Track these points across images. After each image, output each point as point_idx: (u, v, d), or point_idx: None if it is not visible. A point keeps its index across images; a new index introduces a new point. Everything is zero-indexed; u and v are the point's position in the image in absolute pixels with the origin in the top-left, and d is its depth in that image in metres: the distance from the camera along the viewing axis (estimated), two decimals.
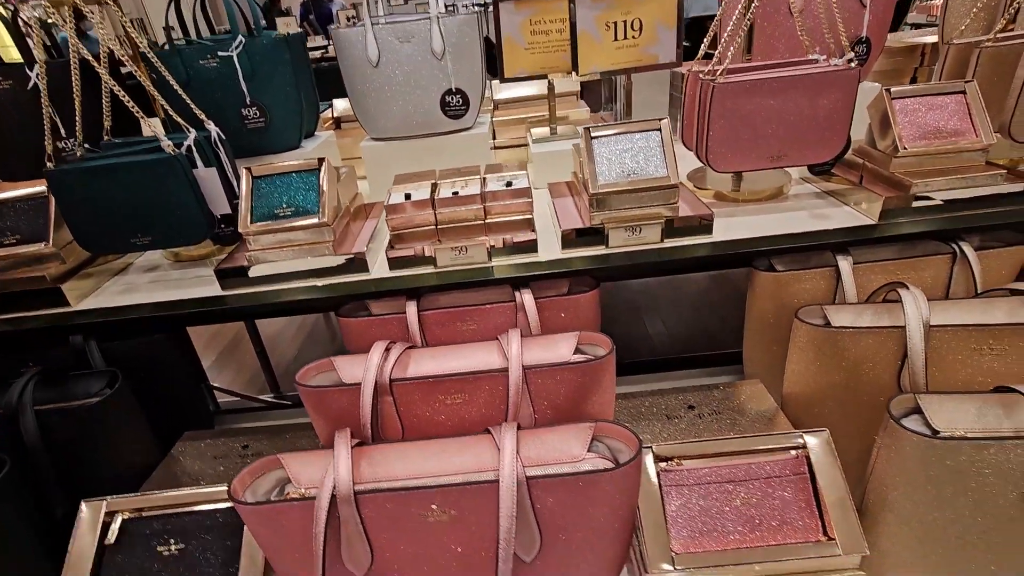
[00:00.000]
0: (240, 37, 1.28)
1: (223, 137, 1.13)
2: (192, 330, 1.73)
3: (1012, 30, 1.18)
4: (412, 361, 0.98)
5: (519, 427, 0.81)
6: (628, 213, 1.08)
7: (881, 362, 0.97)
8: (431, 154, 1.41)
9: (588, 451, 0.81)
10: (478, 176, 1.15)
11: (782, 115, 1.07)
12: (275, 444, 1.23)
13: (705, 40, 1.22)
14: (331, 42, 1.36)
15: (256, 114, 1.34)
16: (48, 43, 1.34)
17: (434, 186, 1.13)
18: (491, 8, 1.35)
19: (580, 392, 0.93)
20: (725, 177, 1.25)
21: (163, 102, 1.14)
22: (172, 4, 1.36)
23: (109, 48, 1.12)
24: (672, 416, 1.16)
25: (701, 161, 1.16)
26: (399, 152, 1.42)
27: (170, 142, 1.04)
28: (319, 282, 1.09)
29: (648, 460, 0.89)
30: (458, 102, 1.38)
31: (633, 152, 1.08)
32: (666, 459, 0.89)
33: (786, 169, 1.25)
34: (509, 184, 1.11)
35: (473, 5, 1.39)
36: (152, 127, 1.06)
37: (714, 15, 1.21)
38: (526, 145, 1.59)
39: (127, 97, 1.07)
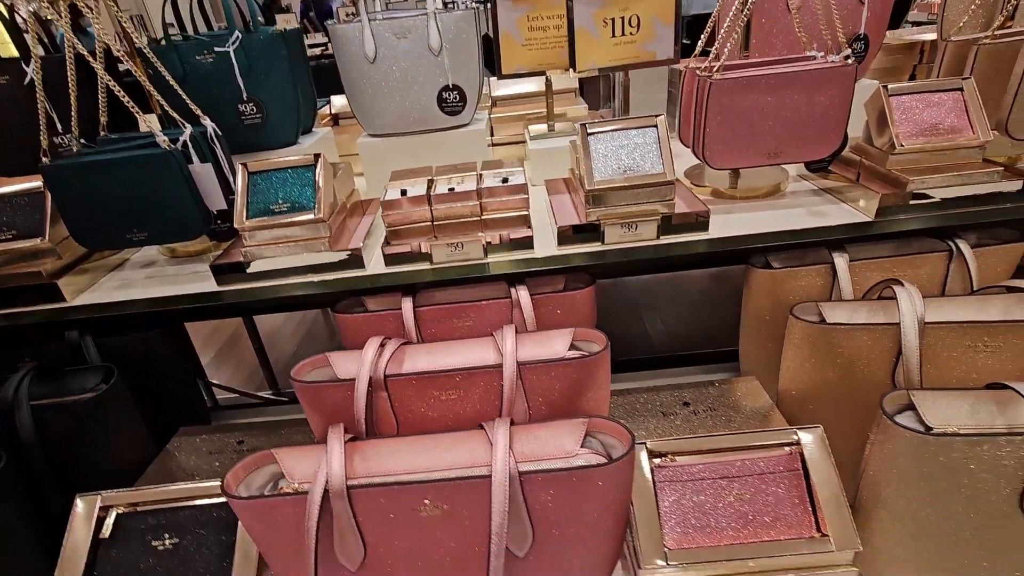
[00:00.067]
0: (237, 33, 1.28)
1: (219, 133, 1.13)
2: (191, 327, 1.74)
3: (1010, 27, 1.18)
4: (407, 357, 0.98)
5: (512, 423, 0.81)
6: (624, 210, 1.08)
7: (876, 359, 0.97)
8: (428, 151, 1.41)
9: (581, 447, 0.81)
10: (474, 172, 1.15)
11: (779, 112, 1.07)
12: (271, 440, 1.24)
13: (702, 36, 1.22)
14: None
15: (253, 110, 1.34)
16: (46, 39, 1.34)
17: (430, 182, 1.13)
18: (489, 4, 1.34)
19: (575, 388, 0.93)
20: (722, 174, 1.24)
21: (159, 98, 1.14)
22: (170, 0, 1.36)
23: (105, 44, 1.12)
24: (667, 413, 1.16)
25: (698, 158, 1.16)
26: (396, 148, 1.42)
27: (165, 137, 1.04)
28: (315, 278, 1.09)
29: (642, 456, 0.89)
30: (455, 98, 1.38)
31: (629, 149, 1.08)
32: (660, 455, 0.89)
33: (784, 166, 1.25)
34: (505, 180, 1.11)
35: (471, 1, 1.38)
36: (148, 123, 1.06)
37: None
38: (524, 142, 1.59)
39: (123, 93, 1.07)
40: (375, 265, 1.11)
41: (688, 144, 1.21)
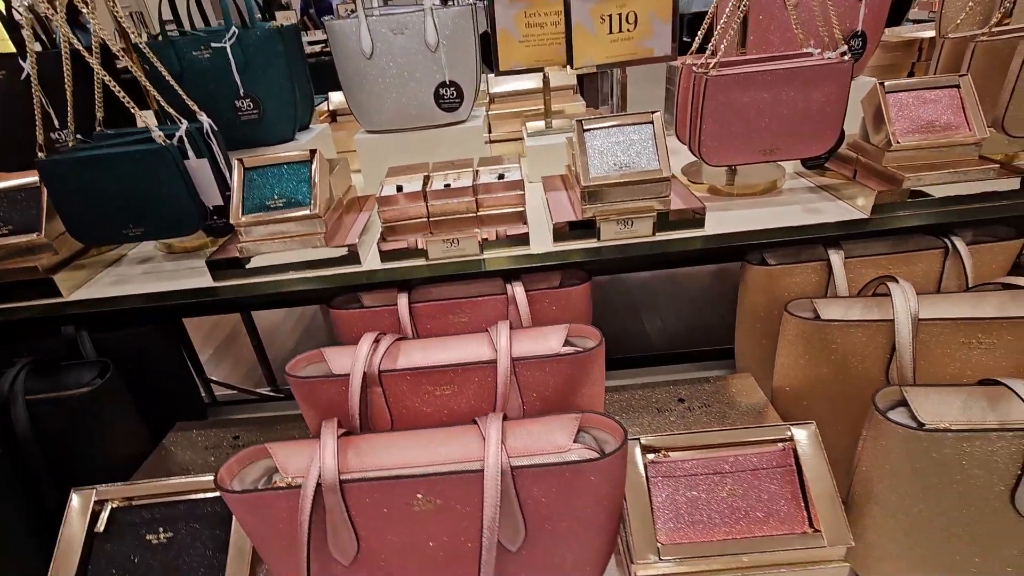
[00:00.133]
0: (234, 28, 1.28)
1: (215, 128, 1.13)
2: (190, 324, 1.74)
3: (1007, 24, 1.18)
4: (402, 353, 0.98)
5: (506, 417, 0.81)
6: (620, 206, 1.08)
7: (870, 356, 0.97)
8: (425, 147, 1.41)
9: (574, 442, 0.81)
10: (471, 169, 1.15)
11: (775, 108, 1.07)
12: (266, 435, 1.24)
13: (699, 32, 1.22)
14: None
15: (249, 106, 1.34)
16: (43, 35, 1.34)
17: (426, 178, 1.13)
18: (486, 0, 1.34)
19: (569, 384, 0.94)
20: (719, 171, 1.24)
21: (156, 94, 1.14)
22: None
23: (101, 39, 1.11)
24: (662, 409, 1.16)
25: (694, 154, 1.16)
26: (393, 145, 1.42)
27: (161, 133, 1.04)
28: (311, 274, 1.09)
29: (636, 451, 0.89)
30: (452, 95, 1.38)
31: (625, 145, 1.08)
32: (654, 450, 0.90)
33: (780, 164, 1.25)
34: (501, 177, 1.11)
35: None
36: (144, 119, 1.06)
37: None
38: (522, 139, 1.59)
39: (119, 89, 1.07)
40: (371, 261, 1.11)
41: (685, 141, 1.21)
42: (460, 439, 0.81)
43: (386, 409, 0.95)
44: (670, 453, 0.89)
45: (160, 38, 1.31)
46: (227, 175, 1.14)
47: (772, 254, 1.15)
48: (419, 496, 0.76)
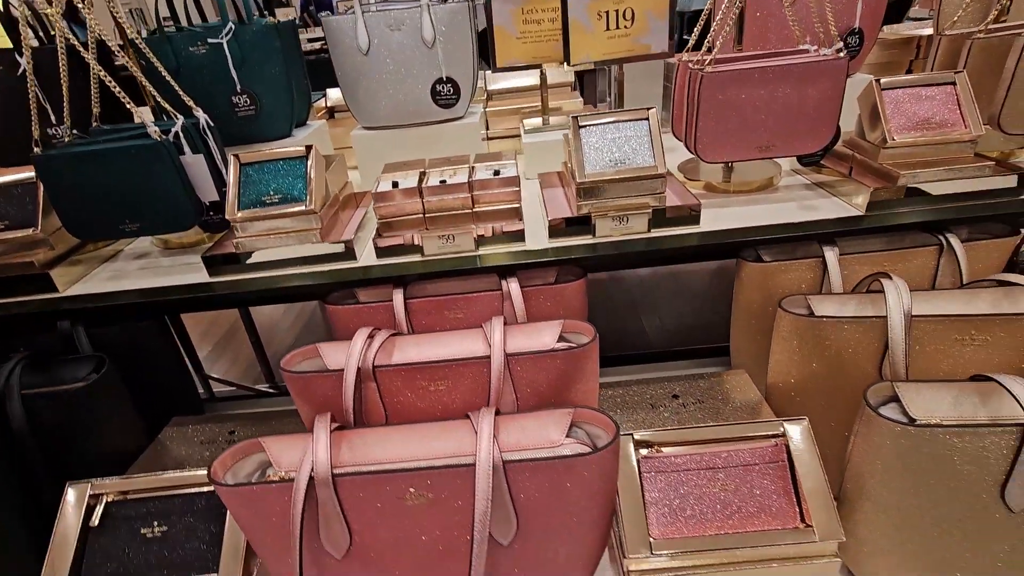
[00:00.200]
0: (230, 24, 1.28)
1: (211, 124, 1.13)
2: (188, 320, 1.75)
3: (1004, 21, 1.18)
4: (396, 348, 0.98)
5: (499, 412, 0.81)
6: (615, 202, 1.08)
7: (863, 352, 0.97)
8: (422, 143, 1.41)
9: (567, 437, 0.81)
10: (467, 165, 1.15)
11: (770, 105, 1.07)
12: (262, 430, 1.24)
13: (696, 29, 1.22)
14: None
15: (246, 102, 1.34)
16: (40, 30, 1.34)
17: (422, 175, 1.13)
18: None
19: (563, 380, 0.94)
20: (716, 168, 1.24)
21: (152, 90, 1.14)
22: None
23: (98, 35, 1.12)
24: (656, 405, 1.16)
25: (690, 151, 1.16)
26: (390, 141, 1.42)
27: (157, 128, 1.04)
28: (307, 269, 1.09)
29: (629, 447, 0.90)
30: (449, 91, 1.38)
31: (621, 141, 1.08)
32: (646, 446, 0.90)
33: (777, 161, 1.25)
34: (497, 173, 1.11)
35: None
36: (140, 114, 1.06)
37: None
38: (519, 136, 1.59)
39: (115, 85, 1.07)
40: (367, 257, 1.12)
41: (681, 137, 1.21)
42: (453, 434, 0.82)
43: (380, 404, 0.95)
44: (663, 448, 0.89)
45: (157, 34, 1.31)
46: (223, 171, 1.14)
47: (767, 251, 1.15)
48: (411, 490, 0.76)
